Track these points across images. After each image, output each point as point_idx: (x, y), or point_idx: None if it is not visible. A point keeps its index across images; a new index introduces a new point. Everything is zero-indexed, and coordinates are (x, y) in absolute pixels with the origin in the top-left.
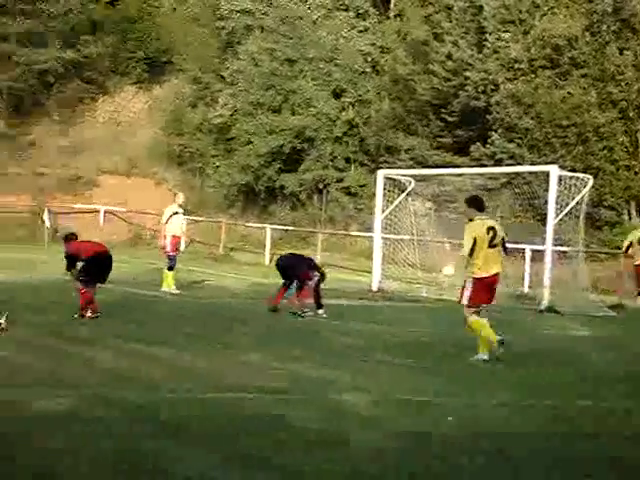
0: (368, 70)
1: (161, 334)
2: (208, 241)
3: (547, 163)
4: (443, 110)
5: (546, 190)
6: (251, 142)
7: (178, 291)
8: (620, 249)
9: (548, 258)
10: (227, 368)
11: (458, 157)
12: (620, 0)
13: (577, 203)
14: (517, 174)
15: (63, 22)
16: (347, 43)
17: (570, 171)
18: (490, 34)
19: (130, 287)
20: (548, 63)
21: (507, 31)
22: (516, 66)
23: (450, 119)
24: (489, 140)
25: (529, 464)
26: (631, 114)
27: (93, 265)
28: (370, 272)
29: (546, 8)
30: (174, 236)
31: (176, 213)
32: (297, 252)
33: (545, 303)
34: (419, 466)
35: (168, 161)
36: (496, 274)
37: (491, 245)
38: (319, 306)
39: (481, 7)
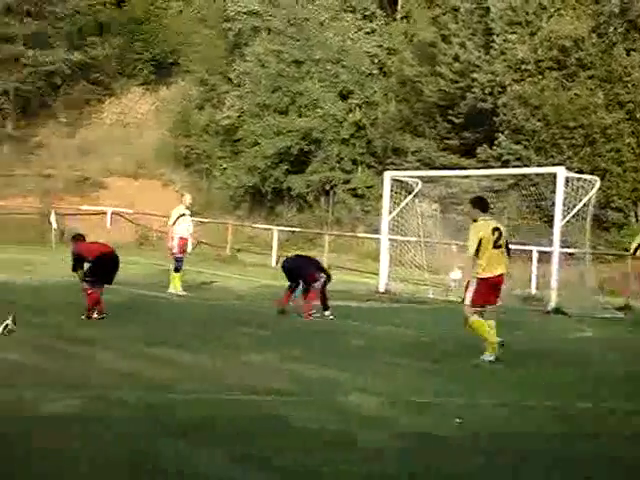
0: (375, 72)
1: (167, 335)
2: (215, 242)
3: (554, 165)
4: (450, 112)
5: (553, 192)
6: (258, 144)
7: (185, 293)
8: (627, 251)
9: (555, 260)
10: (233, 369)
11: (465, 159)
12: (627, 1)
13: (584, 205)
14: (524, 176)
15: (70, 23)
16: (354, 45)
17: (577, 173)
18: (497, 36)
19: (137, 288)
20: (555, 64)
21: (514, 32)
22: (523, 67)
23: (457, 121)
24: (496, 142)
25: (529, 464)
26: (638, 115)
27: (99, 266)
28: (377, 274)
29: (553, 10)
30: (181, 238)
31: (183, 215)
32: (303, 253)
33: (552, 304)
34: (423, 467)
35: (175, 163)
36: (500, 275)
37: (496, 246)
38: (325, 307)
39: (488, 9)
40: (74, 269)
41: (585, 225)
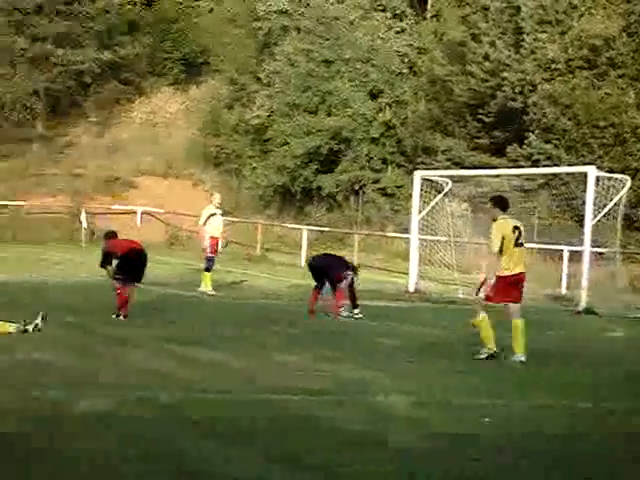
0: (405, 71)
1: (198, 335)
2: (245, 242)
3: (585, 164)
4: (480, 111)
5: (584, 191)
6: (287, 143)
7: (215, 292)
8: None
9: (586, 259)
10: (265, 369)
11: (495, 158)
12: None
13: (615, 204)
14: (554, 175)
15: (100, 23)
16: (384, 44)
17: (608, 172)
18: (527, 35)
19: (167, 288)
20: (585, 64)
21: (544, 32)
22: (553, 67)
23: (487, 120)
24: (526, 141)
25: (561, 465)
26: None
27: (127, 262)
28: (406, 273)
29: (583, 8)
30: (212, 237)
31: (214, 214)
32: (330, 252)
33: (583, 304)
34: (454, 467)
35: (205, 162)
36: (520, 273)
37: (516, 244)
38: (355, 306)
39: (518, 8)
40: (102, 265)
41: (616, 224)
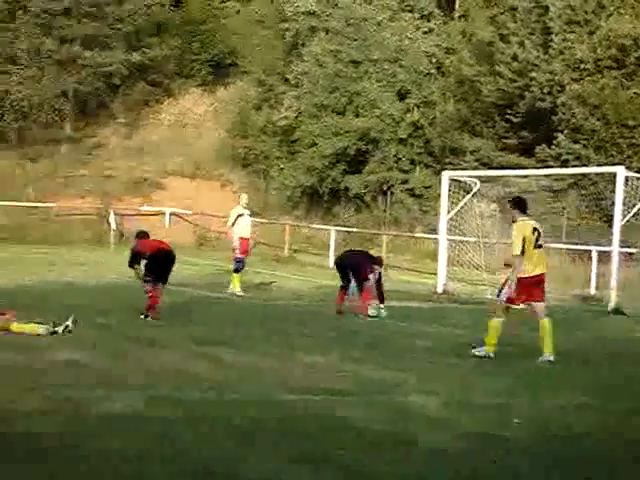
0: (433, 71)
1: (226, 335)
2: (272, 243)
3: (614, 164)
4: (508, 111)
5: (613, 191)
6: (315, 144)
7: (244, 293)
8: None
9: (615, 259)
10: (292, 369)
11: (524, 158)
12: None
13: None
14: (583, 175)
15: (128, 24)
16: (412, 44)
17: (637, 172)
18: (556, 35)
19: (196, 289)
20: (614, 63)
21: (573, 32)
22: (582, 67)
23: (515, 120)
24: (555, 141)
25: (593, 465)
26: None
27: (155, 262)
28: (435, 274)
29: (612, 8)
30: (241, 238)
31: (242, 215)
32: (355, 248)
33: (612, 305)
34: (484, 467)
35: (233, 163)
36: (541, 274)
37: (536, 246)
38: (381, 301)
39: (547, 8)
40: (131, 264)
41: None
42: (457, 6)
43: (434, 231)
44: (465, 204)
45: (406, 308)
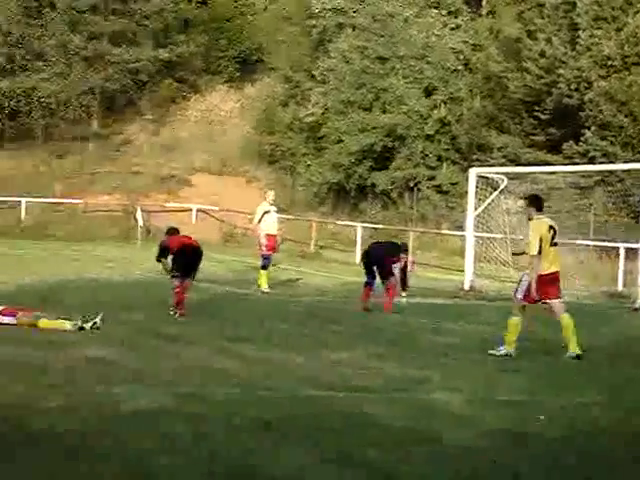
0: (460, 68)
1: (252, 332)
2: (299, 239)
3: None
4: (536, 108)
5: None
6: (342, 140)
7: (270, 290)
8: None
9: None
10: (318, 366)
11: (551, 155)
12: None
13: None
14: (610, 172)
15: (156, 21)
16: (439, 41)
17: None
18: (583, 31)
19: (223, 285)
20: None
21: (600, 28)
22: (609, 63)
23: (543, 117)
24: (582, 138)
25: (621, 465)
26: None
27: (181, 258)
28: (462, 271)
29: (639, 5)
30: (268, 235)
31: (268, 212)
32: (381, 240)
33: (639, 302)
34: (508, 465)
35: (259, 160)
36: (556, 272)
37: (552, 244)
38: (403, 288)
39: (574, 4)
40: (158, 259)
41: None
42: (484, 2)
43: (461, 228)
44: (492, 201)
45: (432, 305)
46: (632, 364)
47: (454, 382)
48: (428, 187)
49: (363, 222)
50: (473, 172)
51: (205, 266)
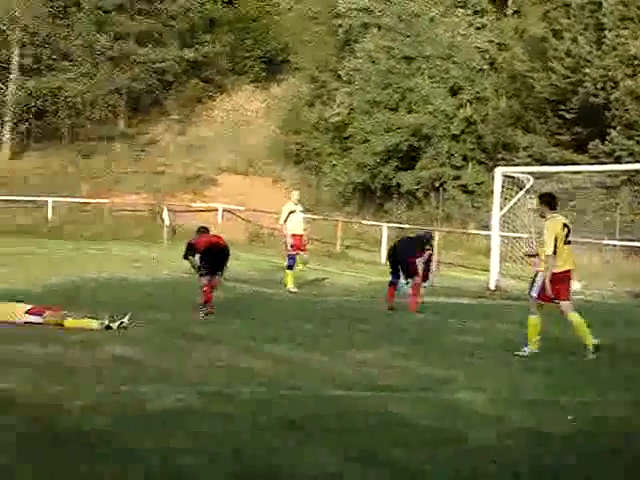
0: (486, 67)
1: (279, 332)
2: (324, 239)
3: None
4: (561, 107)
5: None
6: (368, 140)
7: (296, 289)
8: None
9: None
10: (343, 366)
11: (577, 154)
12: None
13: None
14: (637, 171)
15: (182, 21)
16: (465, 40)
17: None
18: (609, 31)
19: (249, 285)
20: None
21: (626, 28)
22: (635, 62)
23: (568, 116)
24: (608, 137)
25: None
26: None
27: (208, 257)
28: (487, 270)
29: None
30: (294, 234)
31: (293, 211)
32: (405, 236)
33: None
34: (534, 465)
35: (285, 160)
36: (569, 270)
37: (566, 242)
38: (424, 279)
39: (600, 3)
40: (185, 256)
41: None
42: (510, 2)
43: (486, 227)
44: (518, 200)
45: (458, 304)
46: None
47: (479, 382)
48: (454, 187)
49: (388, 222)
50: (499, 172)
51: (232, 265)
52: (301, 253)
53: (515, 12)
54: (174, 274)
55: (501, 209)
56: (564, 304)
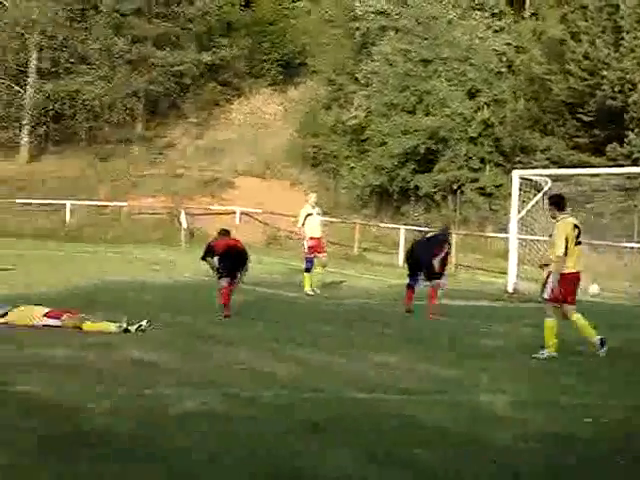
0: (503, 70)
1: (298, 334)
2: (342, 242)
3: None
4: (579, 110)
5: None
6: (385, 143)
7: (314, 292)
8: None
9: None
10: (365, 368)
11: (595, 157)
12: None
13: None
14: None
15: (199, 24)
16: (482, 43)
17: None
18: (627, 33)
19: (267, 288)
20: None
21: None
22: None
23: (586, 119)
24: (626, 140)
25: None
26: None
27: (225, 260)
28: (505, 273)
29: None
30: (312, 238)
31: (311, 214)
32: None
33: None
34: (555, 467)
35: (303, 162)
36: (578, 272)
37: (576, 243)
38: (440, 275)
39: (617, 6)
40: (203, 257)
41: None
42: (528, 4)
43: (504, 230)
44: (536, 203)
45: (476, 307)
46: None
47: (498, 384)
48: (471, 189)
49: (406, 225)
50: (516, 174)
51: (250, 268)
52: (319, 256)
53: (533, 15)
54: (194, 277)
55: (519, 212)
56: (568, 307)
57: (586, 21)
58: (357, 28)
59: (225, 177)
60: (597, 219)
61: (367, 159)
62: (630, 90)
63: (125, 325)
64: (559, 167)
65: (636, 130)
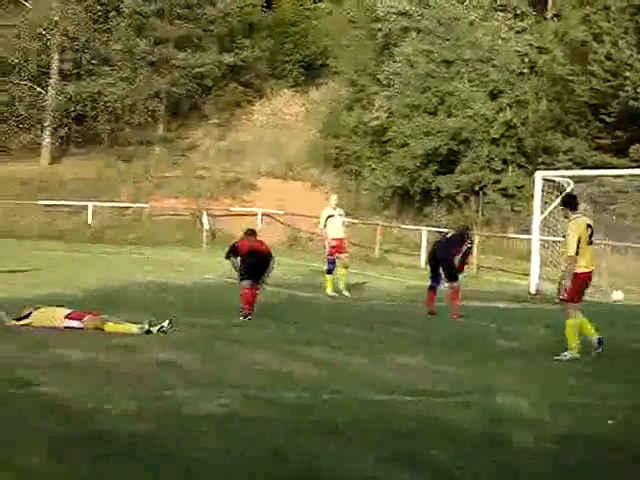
0: (526, 71)
1: (320, 336)
2: (364, 243)
3: None
4: (602, 111)
5: None
6: (407, 144)
7: (335, 293)
8: None
9: None
10: (384, 370)
11: (617, 158)
12: None
13: None
14: None
15: (221, 26)
16: (505, 44)
17: None
18: None
19: (288, 289)
20: None
21: None
22: None
23: (609, 120)
24: None
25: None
26: None
27: (249, 261)
28: (528, 274)
29: None
30: (334, 239)
31: (332, 215)
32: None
33: None
34: (577, 468)
35: (325, 164)
36: (590, 272)
37: (589, 242)
38: (460, 270)
39: None
40: (227, 256)
41: None
42: (550, 5)
43: (527, 231)
44: (558, 204)
45: (498, 309)
46: None
47: (522, 386)
48: (494, 191)
49: (428, 226)
50: (539, 175)
51: (274, 270)
52: (340, 256)
53: (555, 15)
54: (216, 278)
55: (541, 213)
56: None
57: (608, 22)
58: (379, 29)
59: (247, 178)
60: (619, 220)
61: (389, 160)
62: None
63: (147, 326)
64: (582, 168)
65: None
